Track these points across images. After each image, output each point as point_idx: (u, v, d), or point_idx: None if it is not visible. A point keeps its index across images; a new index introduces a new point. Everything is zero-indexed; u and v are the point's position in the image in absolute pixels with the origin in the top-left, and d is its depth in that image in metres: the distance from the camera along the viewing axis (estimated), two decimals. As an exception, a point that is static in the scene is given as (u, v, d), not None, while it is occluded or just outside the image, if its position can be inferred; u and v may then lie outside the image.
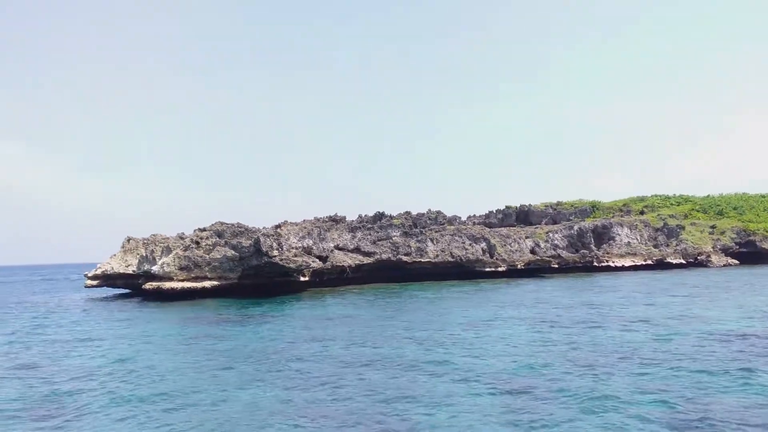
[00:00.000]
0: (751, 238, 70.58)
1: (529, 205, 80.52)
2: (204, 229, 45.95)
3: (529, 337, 20.39)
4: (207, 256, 41.60)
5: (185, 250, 42.05)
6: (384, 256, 51.06)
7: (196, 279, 41.26)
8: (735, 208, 78.73)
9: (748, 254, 69.94)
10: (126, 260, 45.79)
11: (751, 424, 10.36)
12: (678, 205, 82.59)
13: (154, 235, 47.06)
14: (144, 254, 44.39)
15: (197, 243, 42.98)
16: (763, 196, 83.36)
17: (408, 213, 58.91)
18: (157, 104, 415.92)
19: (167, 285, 40.65)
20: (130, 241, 47.13)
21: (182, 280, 41.02)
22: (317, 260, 45.37)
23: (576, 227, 65.85)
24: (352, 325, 24.96)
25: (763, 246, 70.01)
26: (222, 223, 46.23)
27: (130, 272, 44.93)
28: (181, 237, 45.29)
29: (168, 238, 45.57)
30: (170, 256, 42.00)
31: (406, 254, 51.92)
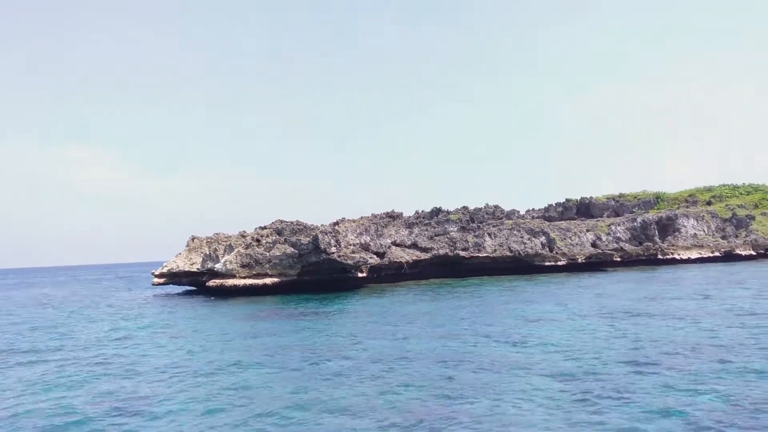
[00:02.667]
0: (829, 227, 67.10)
1: (590, 197, 78.76)
2: (264, 227, 47.03)
3: (590, 332, 20.06)
4: (267, 253, 42.51)
5: (246, 248, 43.10)
6: (441, 252, 50.98)
7: (257, 276, 42.24)
8: (810, 196, 75.00)
9: (825, 245, 66.52)
10: (190, 258, 47.28)
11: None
12: (747, 195, 79.21)
13: (216, 233, 48.42)
14: (207, 252, 45.73)
15: (258, 241, 44.00)
16: (842, 183, 79.12)
17: (465, 208, 58.64)
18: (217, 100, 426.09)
19: (230, 282, 41.76)
20: (195, 239, 48.65)
21: (244, 278, 42.06)
22: (375, 256, 45.72)
23: (639, 219, 64.07)
24: (411, 320, 25.10)
25: (841, 236, 66.46)
26: (281, 221, 47.18)
27: (195, 270, 46.37)
28: (243, 235, 46.45)
29: (230, 237, 46.80)
30: (232, 254, 43.13)
31: (464, 249, 51.69)
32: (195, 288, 50.10)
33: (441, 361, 16.36)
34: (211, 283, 42.86)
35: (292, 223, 46.31)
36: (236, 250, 43.31)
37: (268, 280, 42.08)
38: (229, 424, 11.53)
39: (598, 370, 14.38)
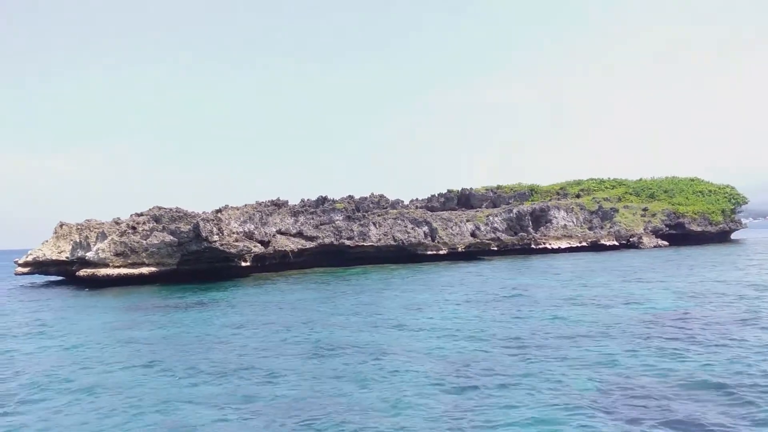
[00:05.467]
0: (681, 220, 73.77)
1: (470, 189, 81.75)
2: (141, 214, 44.87)
3: (466, 318, 20.88)
4: (144, 241, 40.65)
5: (121, 236, 40.97)
6: (327, 241, 51.04)
7: (132, 265, 40.31)
8: (665, 192, 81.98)
9: (677, 236, 73.10)
10: (59, 246, 44.34)
11: (672, 399, 10.99)
12: (612, 189, 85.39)
13: (88, 220, 45.69)
14: (78, 240, 43.04)
15: (133, 228, 41.94)
16: (692, 180, 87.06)
17: (351, 197, 58.95)
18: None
19: (102, 272, 39.58)
20: (63, 226, 45.63)
21: (118, 267, 40.01)
22: (259, 245, 44.99)
23: (515, 210, 67.33)
24: (294, 310, 24.97)
25: (691, 228, 73.29)
26: (159, 208, 45.23)
27: (64, 259, 43.54)
28: (117, 222, 44.10)
29: (103, 224, 44.31)
30: (105, 241, 40.86)
31: (349, 238, 52.04)
32: (64, 278, 47.08)
33: (324, 349, 16.42)
34: (82, 272, 40.40)
35: (171, 210, 44.49)
36: (110, 238, 41.05)
37: (145, 270, 40.25)
38: (108, 424, 10.99)
39: (479, 355, 15.01)
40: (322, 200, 55.97)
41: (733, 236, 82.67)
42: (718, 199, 79.21)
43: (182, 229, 40.94)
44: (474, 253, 59.92)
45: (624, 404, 10.95)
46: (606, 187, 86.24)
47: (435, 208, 74.36)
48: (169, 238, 40.72)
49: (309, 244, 50.29)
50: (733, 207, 79.47)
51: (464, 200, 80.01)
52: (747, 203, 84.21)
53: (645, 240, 69.32)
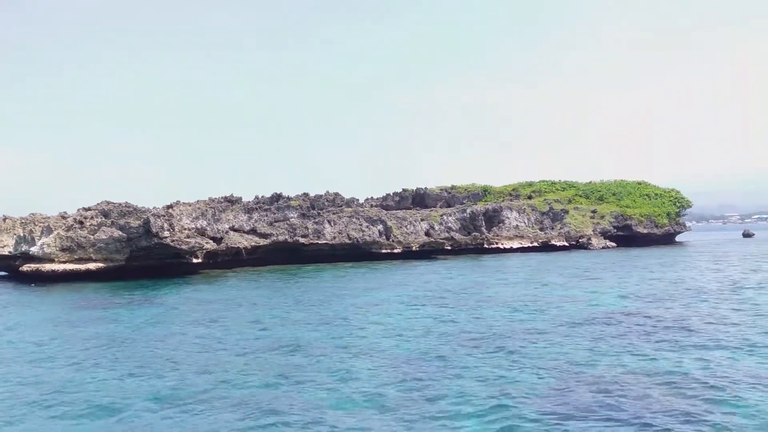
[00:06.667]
0: (628, 222, 75.85)
1: (425, 188, 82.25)
2: (89, 209, 43.67)
3: (419, 317, 21.06)
4: (92, 236, 39.60)
5: (68, 231, 39.82)
6: (281, 238, 50.64)
7: (79, 261, 39.23)
8: (614, 194, 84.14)
9: (624, 237, 75.10)
10: (1, 241, 42.76)
11: (621, 394, 11.33)
12: (563, 191, 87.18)
13: (33, 214, 44.19)
14: (22, 234, 41.62)
15: (81, 223, 40.81)
16: (639, 183, 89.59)
17: (306, 194, 58.63)
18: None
19: (47, 267, 38.42)
20: (6, 220, 44.03)
21: (64, 262, 38.89)
22: (211, 242, 44.34)
23: (468, 210, 68.10)
24: (244, 307, 24.72)
25: (638, 230, 75.44)
26: (108, 203, 44.13)
27: (6, 253, 42.05)
28: (63, 216, 42.81)
29: (49, 218, 42.92)
30: (51, 236, 39.64)
31: (303, 236, 51.75)
32: (6, 273, 45.50)
33: (273, 347, 16.33)
34: (26, 267, 39.11)
35: (120, 204, 43.44)
36: (56, 233, 39.83)
37: (92, 266, 39.20)
38: (48, 423, 10.70)
39: (430, 353, 15.16)
40: (277, 197, 55.51)
41: (677, 238, 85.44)
42: (663, 203, 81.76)
43: (132, 225, 40.04)
44: (428, 252, 60.34)
45: (575, 399, 11.24)
46: (557, 189, 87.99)
47: (390, 207, 74.60)
48: (117, 233, 39.77)
49: (263, 242, 49.82)
50: (677, 210, 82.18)
51: (419, 200, 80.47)
52: (691, 207, 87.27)
53: (594, 241, 71.02)
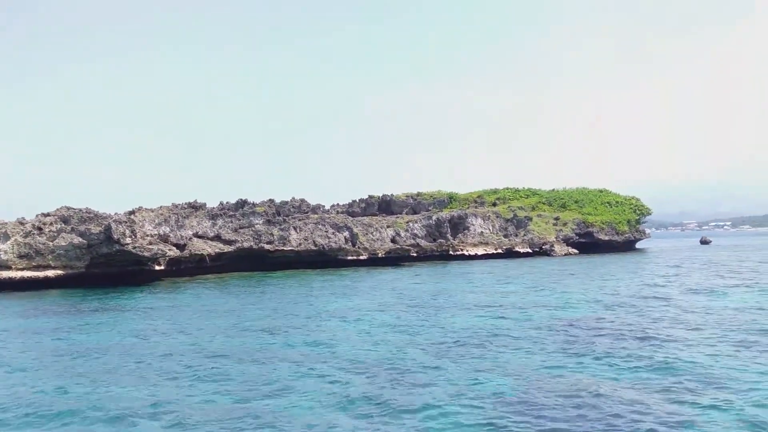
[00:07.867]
0: (590, 229, 77.25)
1: (391, 195, 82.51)
2: (48, 215, 42.67)
3: (385, 324, 21.12)
4: (51, 243, 38.74)
5: (26, 237, 38.87)
6: (246, 245, 50.21)
7: (37, 268, 38.32)
8: (576, 202, 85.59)
9: (586, 244, 76.42)
10: (-46, 247, 41.47)
11: (587, 397, 11.56)
12: (527, 198, 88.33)
13: (-12, 220, 42.97)
14: (-24, 241, 40.45)
15: (39, 229, 39.88)
16: (601, 191, 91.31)
17: (271, 201, 58.25)
18: None
19: (4, 274, 37.44)
20: (-40, 226, 42.74)
21: (22, 269, 37.95)
22: (174, 248, 43.75)
23: (434, 217, 68.52)
24: (205, 315, 24.47)
25: (599, 237, 76.86)
26: (68, 208, 43.19)
27: (-40, 260, 40.81)
28: (21, 222, 41.75)
29: (6, 224, 41.79)
30: (8, 243, 38.63)
31: (269, 242, 51.40)
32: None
33: (235, 355, 16.22)
34: (-20, 275, 37.97)
35: (80, 210, 42.55)
36: (13, 239, 38.84)
37: (51, 273, 38.33)
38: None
39: (395, 359, 15.22)
40: (242, 203, 55.02)
41: (637, 245, 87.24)
42: (624, 210, 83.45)
43: (92, 231, 39.28)
44: (394, 259, 60.48)
45: (540, 404, 11.42)
46: (521, 197, 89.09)
47: (356, 214, 74.63)
48: (77, 239, 38.97)
49: (227, 248, 49.32)
50: (638, 218, 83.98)
51: (385, 206, 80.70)
52: (651, 214, 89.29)
53: (556, 248, 72.09)
